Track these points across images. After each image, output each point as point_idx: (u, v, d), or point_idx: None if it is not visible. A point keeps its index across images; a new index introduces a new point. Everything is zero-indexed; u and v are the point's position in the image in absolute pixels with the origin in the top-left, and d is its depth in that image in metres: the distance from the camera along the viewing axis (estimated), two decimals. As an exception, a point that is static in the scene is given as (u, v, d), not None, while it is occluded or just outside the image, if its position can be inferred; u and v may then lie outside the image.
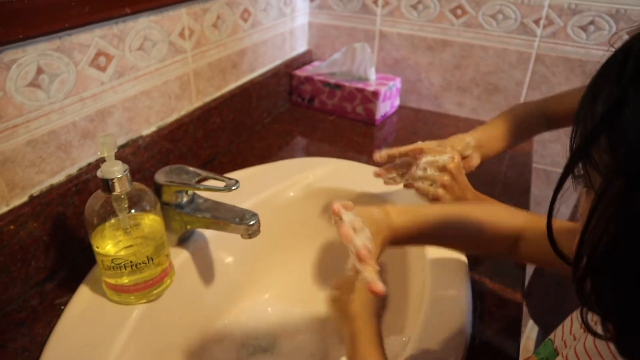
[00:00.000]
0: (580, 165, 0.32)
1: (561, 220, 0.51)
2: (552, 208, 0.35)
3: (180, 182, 0.63)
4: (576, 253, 0.32)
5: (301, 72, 1.18)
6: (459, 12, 1.09)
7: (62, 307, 0.60)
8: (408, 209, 0.57)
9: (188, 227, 0.66)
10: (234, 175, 0.85)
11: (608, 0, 0.96)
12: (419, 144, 0.71)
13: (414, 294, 0.69)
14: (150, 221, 0.60)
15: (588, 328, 0.34)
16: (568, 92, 0.80)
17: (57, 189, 0.65)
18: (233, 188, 0.62)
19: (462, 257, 0.68)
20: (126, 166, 0.55)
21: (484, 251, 0.65)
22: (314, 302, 0.74)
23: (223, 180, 0.63)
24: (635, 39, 0.30)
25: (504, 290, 0.66)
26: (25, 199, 0.62)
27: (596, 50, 1.01)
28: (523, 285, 0.69)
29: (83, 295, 0.61)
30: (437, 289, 0.63)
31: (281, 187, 0.82)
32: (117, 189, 0.54)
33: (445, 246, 0.63)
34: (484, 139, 0.75)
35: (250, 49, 1.02)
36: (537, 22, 1.04)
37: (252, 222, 0.61)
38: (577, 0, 0.99)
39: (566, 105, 0.76)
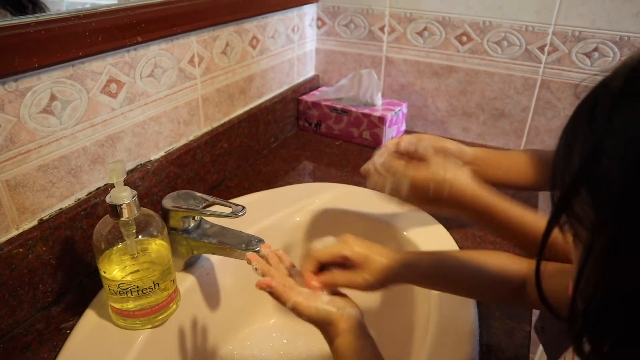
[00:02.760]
0: (565, 218, 0.31)
1: (553, 263, 0.50)
2: (539, 260, 0.34)
3: (187, 208, 0.64)
4: (570, 309, 0.31)
5: (308, 98, 1.19)
6: (464, 39, 1.10)
7: (68, 332, 0.60)
8: (401, 252, 0.58)
9: (195, 252, 0.67)
10: (240, 200, 0.85)
11: (611, 28, 0.97)
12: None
13: (419, 324, 0.69)
14: (157, 246, 0.60)
15: None
16: None
17: (66, 213, 0.65)
18: (239, 214, 0.62)
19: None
20: (135, 192, 0.56)
21: (488, 297, 0.62)
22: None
23: (230, 206, 0.64)
24: (598, 90, 0.30)
25: (512, 319, 0.65)
26: (35, 222, 0.63)
27: (601, 77, 1.01)
28: (531, 312, 0.68)
29: (89, 319, 0.61)
30: (443, 319, 0.62)
31: (287, 212, 0.83)
32: (125, 215, 0.55)
33: (444, 290, 0.60)
34: (479, 159, 0.72)
35: (258, 75, 1.04)
36: (541, 48, 1.05)
37: (258, 248, 0.62)
38: (580, 27, 1.00)
39: None
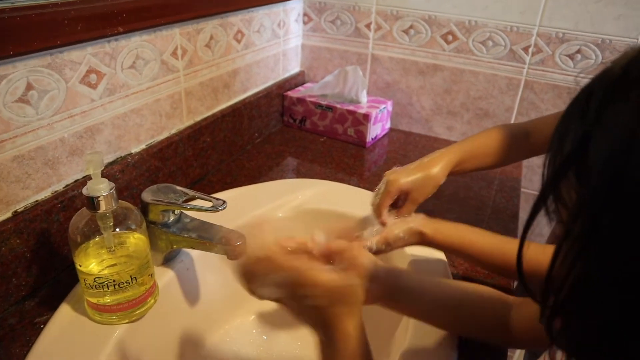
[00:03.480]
0: (552, 200, 0.32)
1: (535, 252, 0.50)
2: (524, 237, 0.34)
3: (167, 202, 0.63)
4: (544, 289, 0.32)
5: (293, 93, 1.19)
6: (449, 37, 1.11)
7: (42, 326, 0.59)
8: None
9: (174, 246, 0.66)
10: (222, 195, 0.84)
11: (594, 31, 0.98)
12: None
13: (400, 319, 0.69)
14: (136, 240, 0.59)
15: None
16: (545, 118, 0.79)
17: (42, 205, 0.64)
18: (220, 208, 0.61)
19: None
20: (112, 184, 0.54)
21: (472, 326, 0.58)
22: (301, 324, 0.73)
23: (210, 201, 0.63)
24: (597, 79, 0.31)
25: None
26: (8, 214, 0.62)
27: (584, 79, 1.02)
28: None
29: (64, 314, 0.60)
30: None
31: (269, 207, 0.82)
32: (103, 207, 0.54)
33: (423, 316, 0.58)
34: (465, 156, 0.74)
35: (242, 69, 1.03)
36: (525, 49, 1.05)
37: (238, 243, 0.61)
38: (564, 29, 1.01)
39: (546, 132, 0.76)
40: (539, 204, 0.32)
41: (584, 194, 0.29)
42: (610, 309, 0.28)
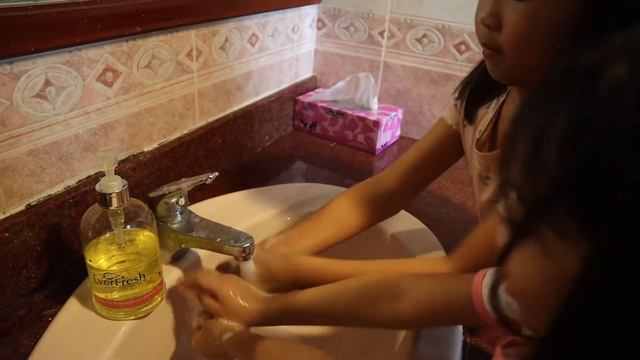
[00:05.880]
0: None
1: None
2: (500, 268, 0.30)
3: (167, 189, 0.64)
4: (551, 328, 0.26)
5: (305, 98, 1.19)
6: (462, 47, 1.11)
7: (50, 319, 0.59)
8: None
9: (182, 245, 0.66)
10: (231, 196, 0.85)
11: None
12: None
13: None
14: (145, 237, 0.60)
15: None
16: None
17: (54, 199, 0.65)
18: (211, 177, 0.64)
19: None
20: (125, 182, 0.55)
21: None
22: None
23: (200, 178, 0.64)
24: (598, 45, 0.24)
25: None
26: (22, 207, 0.63)
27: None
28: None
29: (72, 308, 0.61)
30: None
31: (279, 210, 0.82)
32: (115, 204, 0.55)
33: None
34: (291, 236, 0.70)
35: (256, 72, 1.04)
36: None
37: (246, 245, 0.61)
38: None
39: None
40: (519, 239, 0.26)
41: (610, 219, 0.22)
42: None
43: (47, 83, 0.61)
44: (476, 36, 0.53)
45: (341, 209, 0.72)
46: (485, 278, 0.46)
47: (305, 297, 0.58)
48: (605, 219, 0.22)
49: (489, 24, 0.49)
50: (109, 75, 0.69)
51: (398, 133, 1.22)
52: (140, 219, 0.58)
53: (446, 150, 0.72)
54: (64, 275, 0.67)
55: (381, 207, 0.74)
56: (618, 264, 0.22)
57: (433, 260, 0.64)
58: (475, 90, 0.64)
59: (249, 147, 1.06)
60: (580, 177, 0.22)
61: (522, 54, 0.48)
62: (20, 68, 0.58)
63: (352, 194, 0.74)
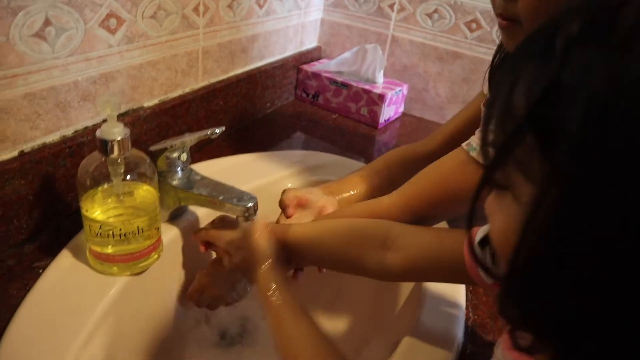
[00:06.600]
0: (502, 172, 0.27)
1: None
2: (472, 215, 0.30)
3: (170, 142, 0.61)
4: (509, 268, 0.27)
5: (309, 67, 1.16)
6: (473, 25, 1.08)
7: (41, 271, 0.57)
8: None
9: (181, 203, 0.64)
10: (233, 159, 0.83)
11: None
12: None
13: (405, 298, 0.68)
14: (145, 192, 0.57)
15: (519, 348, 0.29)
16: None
17: (49, 148, 0.62)
18: (217, 132, 0.61)
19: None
20: (127, 129, 0.52)
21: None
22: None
23: (205, 132, 0.62)
24: (564, 11, 0.25)
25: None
26: (15, 153, 0.60)
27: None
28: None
29: (64, 260, 0.58)
30: (431, 296, 0.61)
31: (280, 175, 0.80)
32: (115, 152, 0.52)
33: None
34: (334, 187, 0.69)
35: (261, 35, 1.01)
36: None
37: (250, 204, 0.59)
38: None
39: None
40: (487, 177, 0.28)
41: (559, 154, 0.23)
42: (586, 280, 0.24)
43: (47, 22, 0.58)
44: (488, 15, 0.51)
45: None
46: (477, 235, 0.44)
47: (297, 232, 0.56)
48: (559, 151, 0.23)
49: None
50: (113, 21, 0.66)
51: (401, 109, 1.20)
52: (140, 170, 0.56)
53: None
54: (56, 227, 0.64)
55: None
56: (566, 196, 0.23)
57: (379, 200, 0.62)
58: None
59: (250, 113, 1.03)
60: (539, 112, 0.24)
61: (539, 23, 0.46)
62: (19, 2, 0.54)
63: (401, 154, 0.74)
